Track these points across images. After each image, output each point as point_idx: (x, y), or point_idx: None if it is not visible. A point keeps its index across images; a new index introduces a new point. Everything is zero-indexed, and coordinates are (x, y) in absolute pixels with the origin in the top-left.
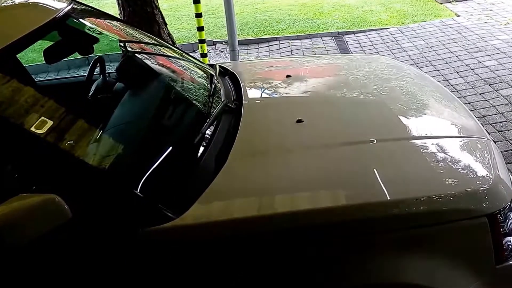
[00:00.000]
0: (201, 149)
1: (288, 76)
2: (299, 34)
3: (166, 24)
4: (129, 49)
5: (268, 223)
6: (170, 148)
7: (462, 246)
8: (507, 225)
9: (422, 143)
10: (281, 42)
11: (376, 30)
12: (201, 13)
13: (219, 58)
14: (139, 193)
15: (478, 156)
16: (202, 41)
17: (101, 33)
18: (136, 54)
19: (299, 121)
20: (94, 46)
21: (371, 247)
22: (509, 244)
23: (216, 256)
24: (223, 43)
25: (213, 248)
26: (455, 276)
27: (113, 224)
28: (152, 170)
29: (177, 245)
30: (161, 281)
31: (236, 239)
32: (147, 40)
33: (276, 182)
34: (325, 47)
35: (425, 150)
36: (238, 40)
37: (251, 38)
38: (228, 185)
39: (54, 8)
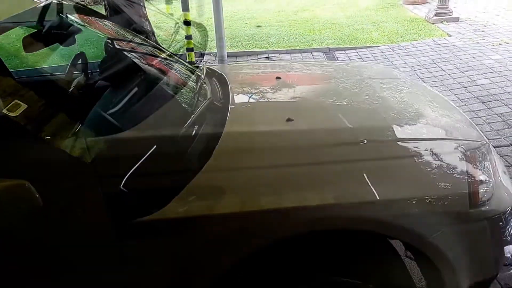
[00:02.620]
0: (185, 144)
1: (278, 78)
2: (289, 49)
3: (153, 33)
4: (113, 43)
5: (249, 220)
6: (153, 142)
7: (462, 250)
8: (508, 231)
9: (418, 145)
10: (270, 55)
11: (367, 47)
12: (189, 21)
13: None
14: (121, 187)
15: (478, 159)
16: (190, 50)
17: (84, 26)
18: (120, 49)
19: (289, 119)
20: (77, 38)
21: (359, 248)
22: (509, 252)
23: (196, 251)
24: (211, 55)
25: (194, 243)
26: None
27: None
28: (134, 164)
29: (157, 239)
30: (140, 274)
31: (217, 235)
32: (131, 36)
33: (261, 179)
34: None
35: (422, 152)
36: (227, 53)
37: (240, 50)
38: (211, 181)
39: None
